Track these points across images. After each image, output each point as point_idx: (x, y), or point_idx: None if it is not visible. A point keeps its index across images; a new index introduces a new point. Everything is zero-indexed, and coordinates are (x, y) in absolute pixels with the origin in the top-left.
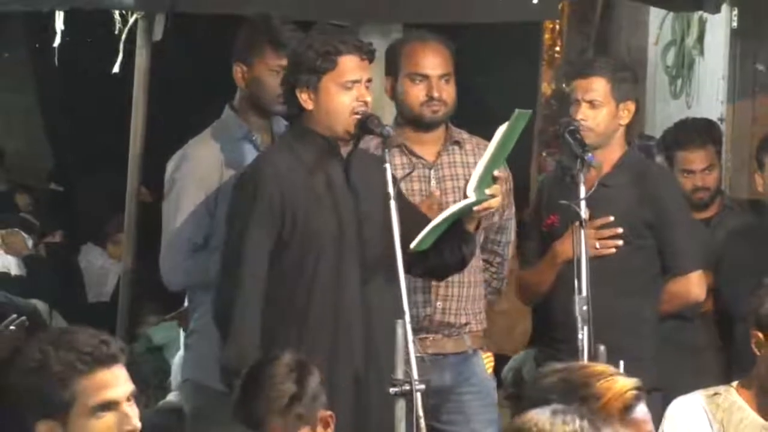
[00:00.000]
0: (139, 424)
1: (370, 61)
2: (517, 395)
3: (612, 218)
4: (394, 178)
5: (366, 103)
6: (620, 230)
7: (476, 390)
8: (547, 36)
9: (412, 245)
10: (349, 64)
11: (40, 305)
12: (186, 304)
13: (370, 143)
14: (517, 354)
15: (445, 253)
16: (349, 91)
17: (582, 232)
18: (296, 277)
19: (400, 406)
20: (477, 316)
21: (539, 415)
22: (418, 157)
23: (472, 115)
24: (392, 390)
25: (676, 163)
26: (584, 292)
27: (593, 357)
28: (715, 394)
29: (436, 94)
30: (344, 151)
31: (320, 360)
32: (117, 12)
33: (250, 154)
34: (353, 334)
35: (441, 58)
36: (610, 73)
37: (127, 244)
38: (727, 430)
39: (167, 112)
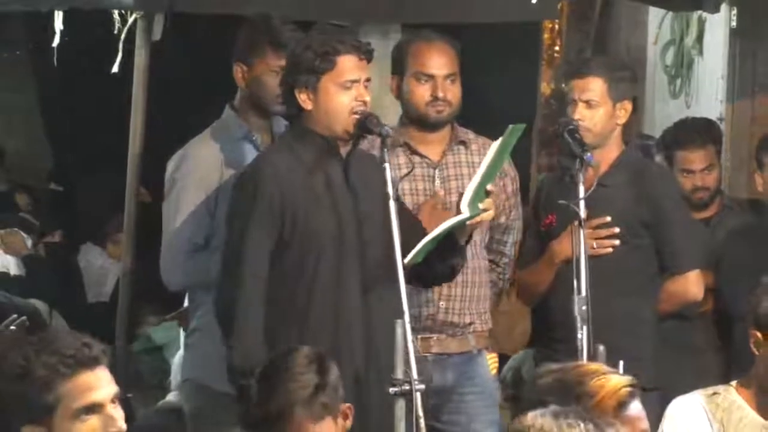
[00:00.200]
0: (124, 426)
1: (369, 60)
2: (516, 396)
3: (609, 218)
4: (393, 178)
5: (365, 103)
6: (617, 230)
7: (479, 390)
8: (546, 36)
9: (407, 259)
10: (348, 64)
11: (39, 305)
12: (186, 304)
13: (375, 143)
14: (516, 354)
15: (436, 264)
16: (348, 91)
17: (581, 231)
18: (296, 277)
19: (400, 406)
20: (482, 316)
21: (541, 418)
22: (423, 156)
23: (472, 115)
24: (392, 390)
25: (675, 163)
26: (583, 292)
27: (592, 357)
28: (715, 393)
29: (441, 94)
30: (343, 151)
31: None
32: (116, 12)
33: (250, 154)
34: (353, 334)
35: (447, 58)
36: (606, 73)
37: (127, 244)
38: (726, 429)
39: (167, 112)
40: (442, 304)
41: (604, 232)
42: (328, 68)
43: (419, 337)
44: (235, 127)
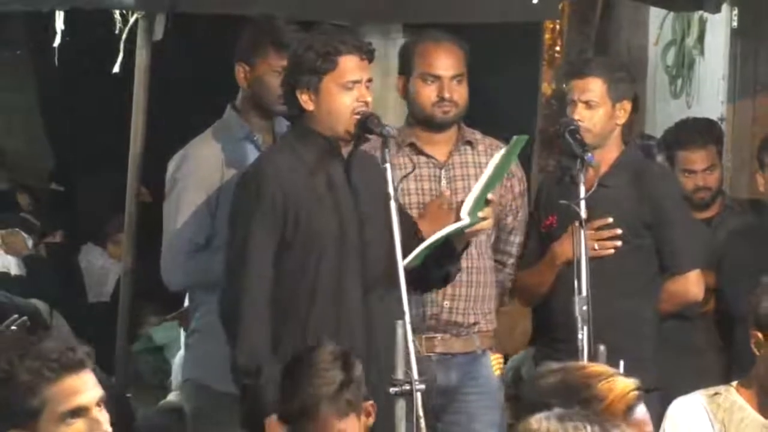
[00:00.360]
0: (109, 429)
1: (370, 61)
2: (516, 395)
3: (611, 219)
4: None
5: (366, 103)
6: (619, 231)
7: (482, 390)
8: (547, 36)
9: (405, 262)
10: (350, 65)
11: (40, 305)
12: (186, 304)
13: (379, 143)
14: (517, 354)
15: (431, 270)
16: (349, 91)
17: (582, 232)
18: (298, 277)
19: (401, 406)
20: (486, 316)
21: (547, 422)
22: (429, 156)
23: (473, 115)
24: (392, 390)
25: (677, 163)
26: (584, 292)
27: (593, 357)
28: (716, 394)
29: (447, 95)
30: (345, 151)
31: None
32: (117, 12)
33: (251, 155)
34: (354, 334)
35: (454, 58)
36: (606, 74)
37: (128, 244)
38: (728, 429)
39: (168, 112)
40: (446, 303)
41: (605, 233)
42: (329, 69)
43: (423, 336)
44: (236, 127)
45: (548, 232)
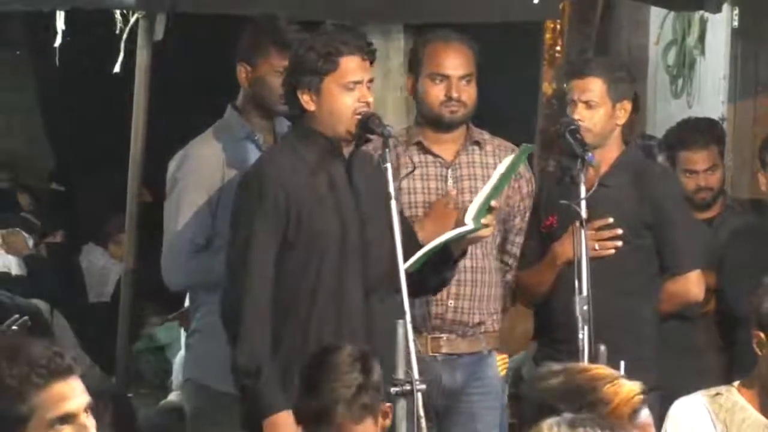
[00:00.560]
0: None
1: (372, 61)
2: (517, 395)
3: (611, 220)
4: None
5: (368, 104)
6: (619, 231)
7: (486, 391)
8: (548, 36)
9: (406, 265)
10: (351, 65)
11: (41, 305)
12: (187, 304)
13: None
14: (517, 354)
15: (428, 275)
16: (351, 92)
17: (582, 232)
18: (300, 277)
19: (401, 406)
20: (492, 316)
21: (557, 427)
22: (436, 156)
23: (473, 115)
24: (393, 390)
25: (678, 163)
26: (584, 292)
27: (593, 357)
28: (717, 394)
29: (455, 95)
30: (346, 151)
31: None
32: (118, 12)
33: (252, 155)
34: (356, 334)
35: (462, 58)
36: (606, 74)
37: (128, 244)
38: (729, 430)
39: (168, 112)
40: (451, 302)
41: (606, 233)
42: (330, 69)
43: (429, 336)
44: (237, 127)
45: (548, 232)
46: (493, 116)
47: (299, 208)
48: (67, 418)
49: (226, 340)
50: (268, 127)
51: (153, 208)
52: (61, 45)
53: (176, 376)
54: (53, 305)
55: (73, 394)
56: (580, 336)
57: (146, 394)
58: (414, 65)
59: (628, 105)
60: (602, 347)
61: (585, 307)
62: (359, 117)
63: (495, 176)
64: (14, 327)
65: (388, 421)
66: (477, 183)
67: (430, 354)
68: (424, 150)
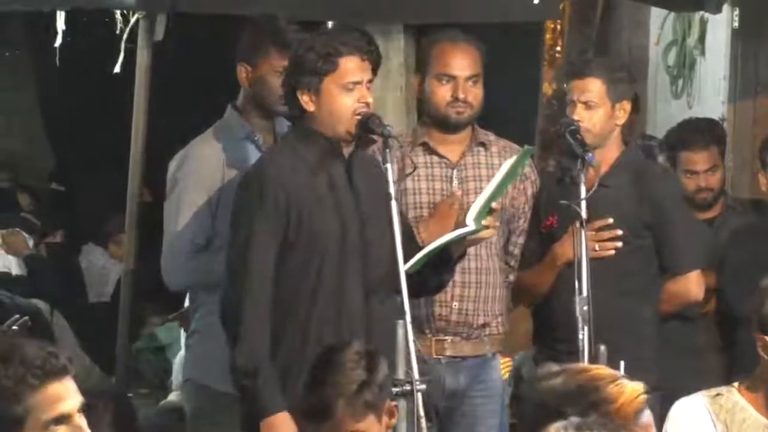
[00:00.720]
0: None
1: (371, 61)
2: (517, 395)
3: (611, 220)
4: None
5: (368, 104)
6: (619, 232)
7: (488, 394)
8: (548, 36)
9: (407, 266)
10: (350, 66)
11: (41, 305)
12: (187, 304)
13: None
14: (517, 354)
15: (428, 276)
16: (350, 92)
17: (582, 232)
18: (300, 278)
19: (401, 406)
20: (497, 318)
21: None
22: (442, 156)
23: None
24: (393, 390)
25: (679, 164)
26: (584, 292)
27: (594, 357)
28: (718, 394)
29: (461, 96)
30: (346, 152)
31: None
32: (118, 12)
33: (252, 155)
34: (356, 334)
35: (469, 59)
36: (605, 74)
37: (129, 244)
38: (730, 430)
39: (168, 112)
40: (456, 304)
41: (606, 234)
42: (330, 70)
43: (433, 338)
44: (237, 127)
45: (549, 233)
46: (493, 116)
47: (299, 208)
48: (63, 419)
49: (225, 340)
50: (268, 127)
51: (153, 208)
52: (61, 45)
53: (176, 376)
54: (53, 305)
55: (68, 395)
56: (580, 336)
57: (146, 394)
58: (421, 65)
59: (627, 105)
60: (602, 347)
61: (585, 308)
62: (359, 117)
63: (497, 178)
64: (14, 327)
65: (393, 420)
66: (482, 184)
67: (434, 356)
68: (430, 150)
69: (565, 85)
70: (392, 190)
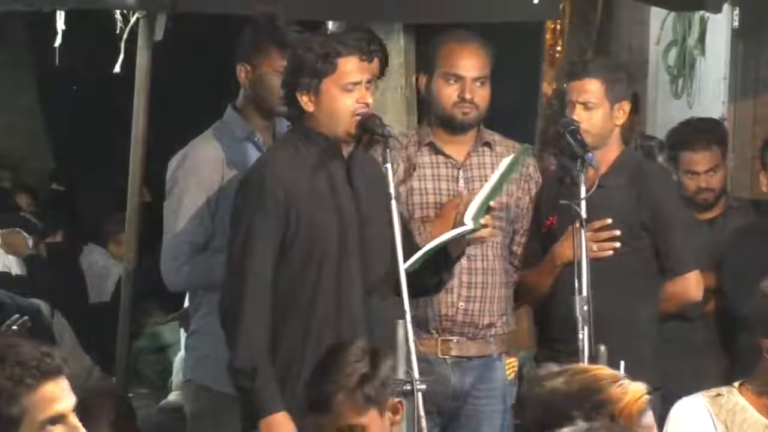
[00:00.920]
0: None
1: (370, 61)
2: (519, 395)
3: (609, 220)
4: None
5: (367, 105)
6: (617, 232)
7: (493, 394)
8: (548, 36)
9: (406, 265)
10: (349, 66)
11: (41, 305)
12: (187, 304)
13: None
14: (519, 354)
15: (425, 276)
16: (350, 93)
17: (582, 232)
18: (300, 278)
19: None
20: (502, 318)
21: None
22: (447, 156)
23: None
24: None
25: (680, 164)
26: (584, 293)
27: (594, 357)
28: (718, 395)
29: (468, 96)
30: (346, 152)
31: None
32: (118, 12)
33: (252, 155)
34: (356, 334)
35: (477, 60)
36: (604, 75)
37: (129, 244)
38: (730, 430)
39: (168, 112)
40: (462, 305)
41: (604, 234)
42: (329, 71)
43: (439, 338)
44: (237, 127)
45: (549, 233)
46: (493, 116)
47: (299, 208)
48: (58, 419)
49: (225, 340)
50: (268, 127)
51: (153, 208)
52: (61, 45)
53: (176, 376)
54: (53, 305)
55: (63, 395)
56: (580, 336)
57: (146, 394)
58: (428, 64)
59: (626, 106)
60: (602, 347)
61: (585, 308)
62: (358, 118)
63: (494, 177)
64: (14, 327)
65: (398, 417)
66: None
67: (440, 356)
68: (436, 151)
69: (564, 86)
70: (392, 190)
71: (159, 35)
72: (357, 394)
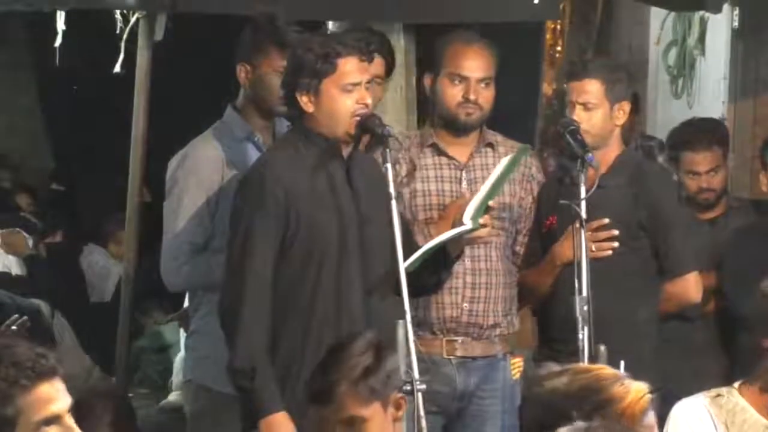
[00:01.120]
0: None
1: (370, 61)
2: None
3: (607, 220)
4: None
5: (366, 105)
6: (616, 232)
7: (498, 395)
8: (548, 36)
9: (405, 264)
10: (349, 67)
11: (41, 305)
12: (186, 304)
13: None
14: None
15: (424, 276)
16: (349, 93)
17: (582, 232)
18: (300, 277)
19: None
20: (506, 318)
21: None
22: (450, 158)
23: None
24: None
25: (681, 164)
26: (584, 293)
27: (594, 357)
28: (718, 395)
29: (472, 97)
30: (345, 152)
31: None
32: (118, 12)
33: (252, 155)
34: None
35: (482, 61)
36: (604, 75)
37: (129, 244)
38: (731, 431)
39: (168, 112)
40: (466, 305)
41: (603, 234)
42: (328, 71)
43: (444, 339)
44: (237, 127)
45: (549, 233)
46: (494, 116)
47: (299, 208)
48: (53, 420)
49: (225, 340)
50: (268, 127)
51: (153, 208)
52: (61, 45)
53: (176, 376)
54: (53, 305)
55: (57, 396)
56: (580, 336)
57: (146, 394)
58: (433, 64)
59: (626, 106)
60: (602, 347)
61: (585, 308)
62: (358, 118)
63: (492, 177)
64: (14, 327)
65: (401, 413)
66: None
67: (445, 357)
68: (439, 152)
69: (564, 86)
70: (392, 189)
71: (159, 35)
72: (360, 386)
